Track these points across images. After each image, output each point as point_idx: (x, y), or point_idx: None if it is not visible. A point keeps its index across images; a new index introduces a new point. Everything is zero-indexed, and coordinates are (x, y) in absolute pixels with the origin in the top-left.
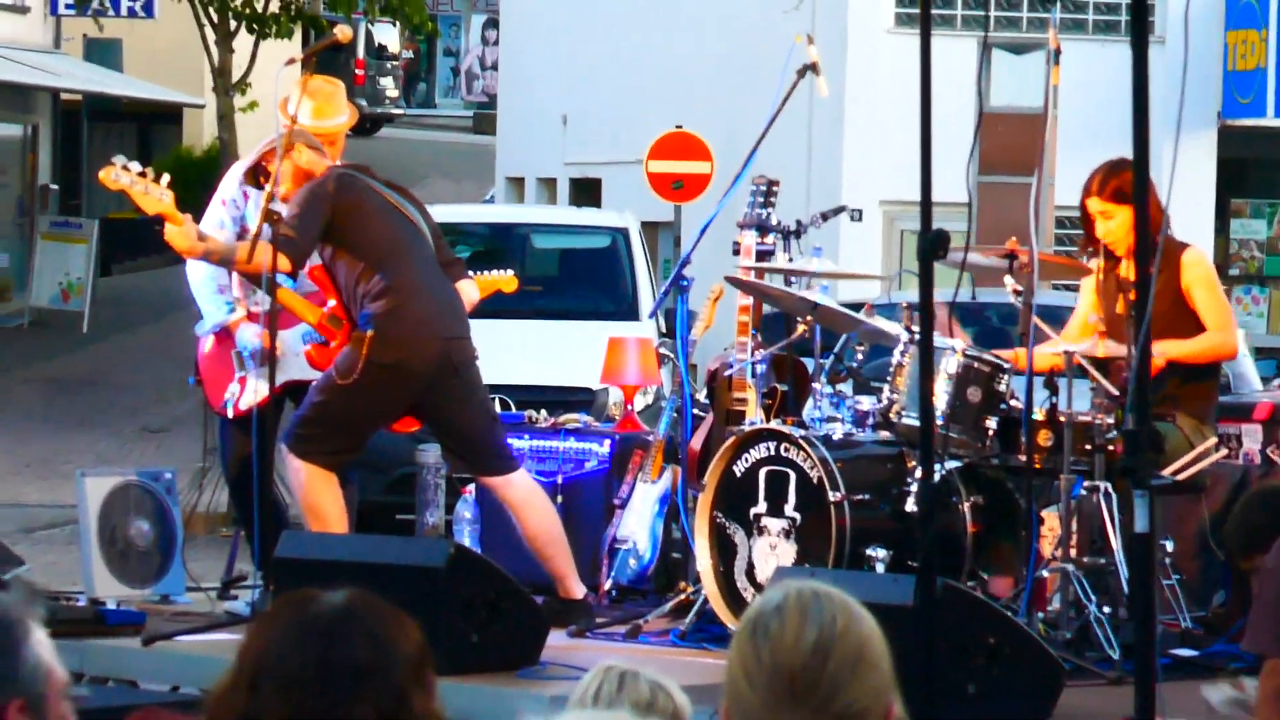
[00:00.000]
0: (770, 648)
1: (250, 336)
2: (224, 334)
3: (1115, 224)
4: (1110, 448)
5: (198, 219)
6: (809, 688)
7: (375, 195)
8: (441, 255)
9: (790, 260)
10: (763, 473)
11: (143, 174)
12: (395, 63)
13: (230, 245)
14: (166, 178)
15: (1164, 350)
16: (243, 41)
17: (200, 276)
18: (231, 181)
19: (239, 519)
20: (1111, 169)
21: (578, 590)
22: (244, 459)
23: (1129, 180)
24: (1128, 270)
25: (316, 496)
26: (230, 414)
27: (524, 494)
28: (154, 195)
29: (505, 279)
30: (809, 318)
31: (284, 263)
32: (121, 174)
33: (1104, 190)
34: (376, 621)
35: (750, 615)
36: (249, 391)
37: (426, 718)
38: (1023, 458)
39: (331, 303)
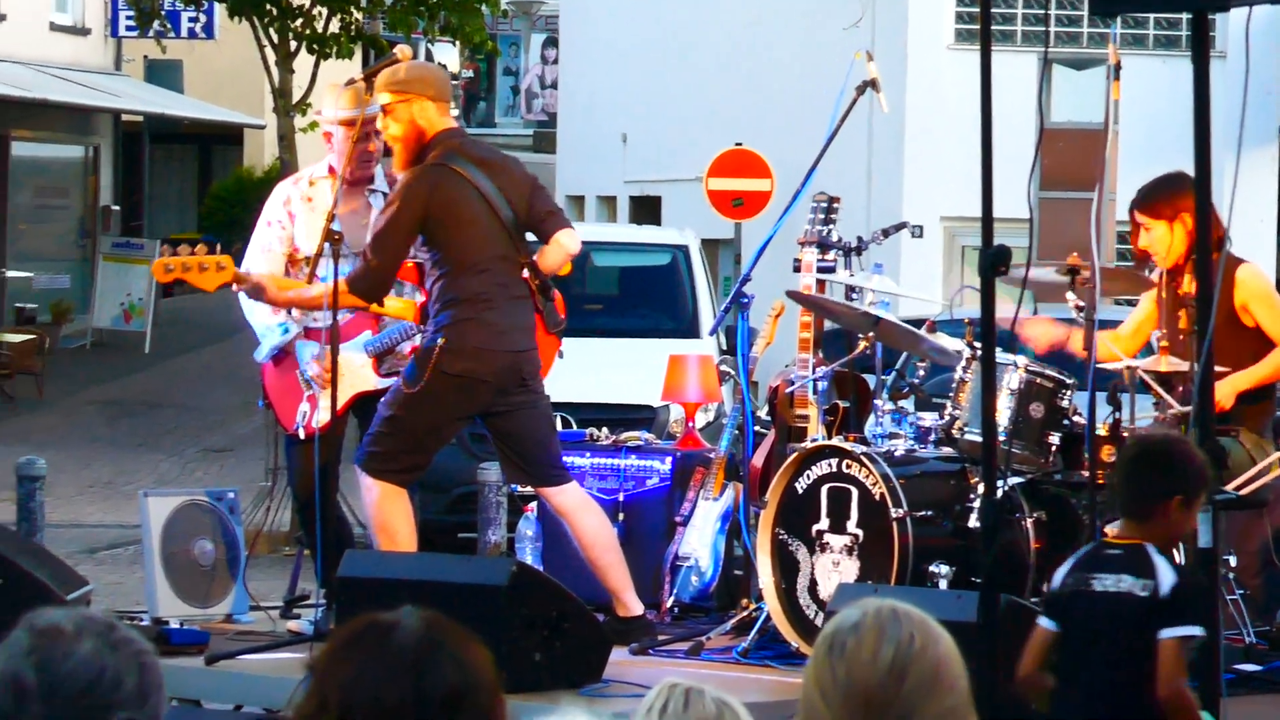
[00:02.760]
0: (846, 666)
1: (309, 358)
2: (283, 354)
3: (1153, 236)
4: None
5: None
6: (883, 707)
7: (469, 201)
8: (533, 216)
9: (851, 276)
10: (825, 489)
11: (192, 253)
12: (455, 82)
13: (312, 291)
14: (219, 246)
15: (1235, 385)
16: (303, 62)
17: (251, 304)
18: (276, 203)
19: (304, 538)
20: (1154, 184)
21: (635, 606)
22: (314, 478)
23: (1165, 196)
24: (1188, 286)
25: (388, 515)
26: (302, 434)
27: (578, 501)
28: (212, 271)
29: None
30: (870, 334)
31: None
32: (171, 263)
33: (1139, 204)
34: (459, 647)
35: (828, 632)
36: (320, 410)
37: None
38: (1086, 473)
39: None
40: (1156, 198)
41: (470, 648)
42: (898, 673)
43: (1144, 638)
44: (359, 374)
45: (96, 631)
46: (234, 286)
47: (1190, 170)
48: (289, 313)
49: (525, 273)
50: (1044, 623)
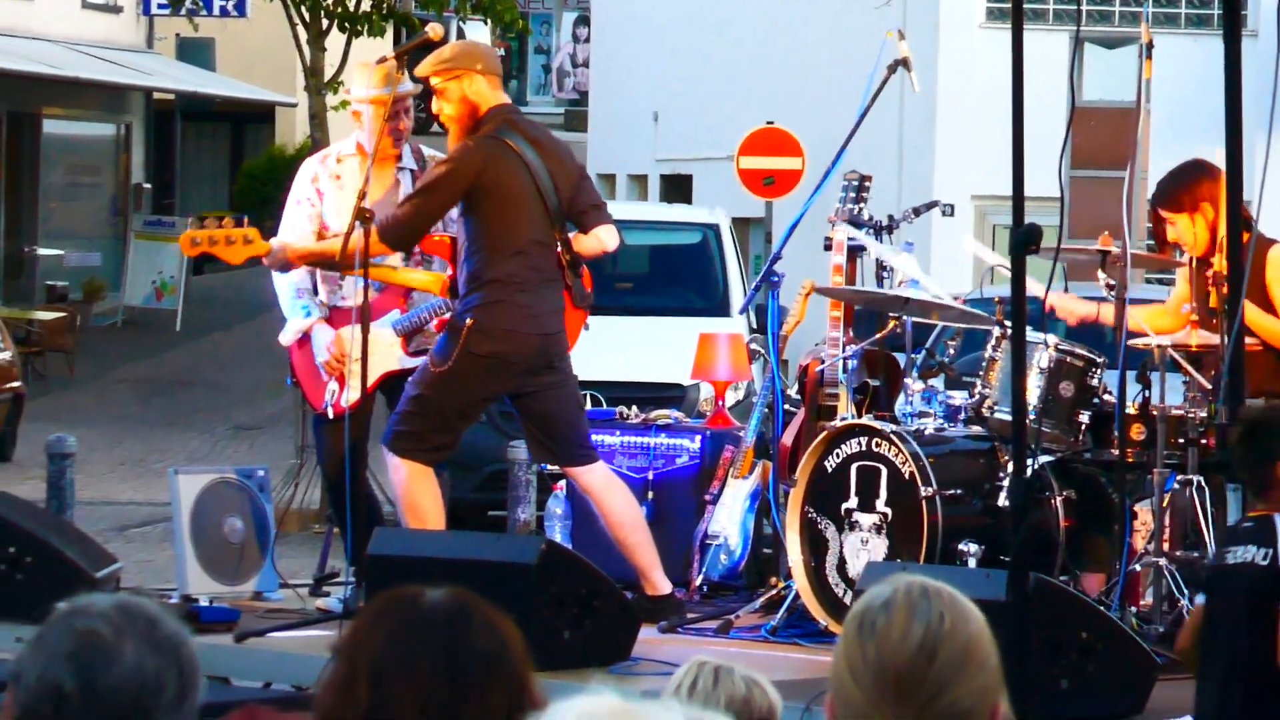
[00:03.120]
0: (876, 645)
1: (323, 344)
2: (306, 335)
3: (1179, 230)
4: (1203, 441)
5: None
6: (913, 687)
7: (519, 178)
8: (575, 206)
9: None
10: (854, 468)
11: (220, 226)
12: None
13: (327, 246)
14: (246, 220)
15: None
16: (335, 40)
17: (281, 281)
18: (304, 181)
19: (334, 516)
20: (1170, 177)
21: (664, 585)
22: (343, 457)
23: (1183, 188)
24: (1219, 265)
25: (417, 494)
26: (331, 414)
27: (604, 480)
28: (239, 244)
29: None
30: (899, 316)
31: (383, 246)
32: (198, 236)
33: (1159, 200)
34: (489, 615)
35: (858, 610)
36: (349, 389)
37: (540, 708)
38: (1115, 452)
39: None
40: (1174, 191)
41: (499, 618)
42: (928, 652)
43: (1266, 606)
44: (387, 353)
45: (138, 631)
46: (264, 261)
47: (1212, 154)
48: (313, 294)
49: (558, 248)
50: (1200, 598)
